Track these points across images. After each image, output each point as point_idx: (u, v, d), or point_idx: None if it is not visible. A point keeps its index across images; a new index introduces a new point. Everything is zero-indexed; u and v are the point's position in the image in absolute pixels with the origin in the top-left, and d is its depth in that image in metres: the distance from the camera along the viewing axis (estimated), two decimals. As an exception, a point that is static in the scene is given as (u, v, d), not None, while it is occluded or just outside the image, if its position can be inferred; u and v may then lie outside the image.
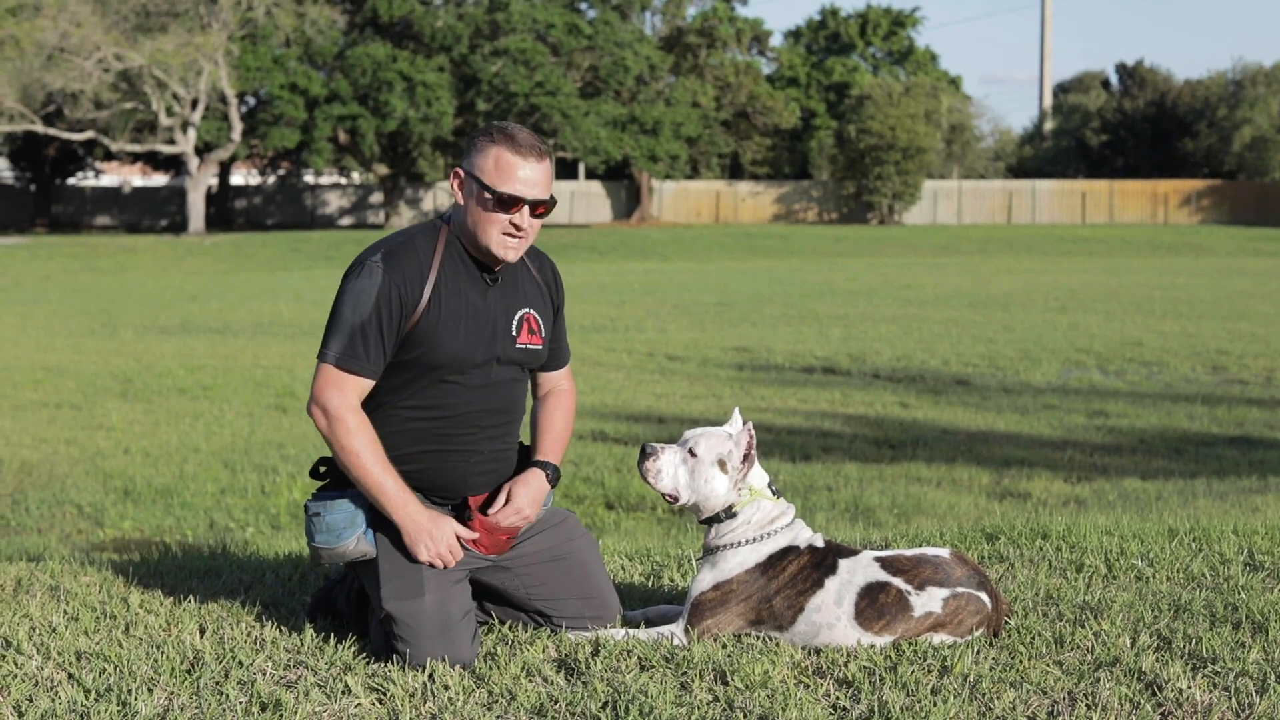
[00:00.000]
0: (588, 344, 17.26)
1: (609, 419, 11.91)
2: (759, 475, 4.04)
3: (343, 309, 3.90)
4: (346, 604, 4.23)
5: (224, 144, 53.15)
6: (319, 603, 4.32)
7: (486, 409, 4.01)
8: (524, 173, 3.88)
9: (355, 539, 3.93)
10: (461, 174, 3.96)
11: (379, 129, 53.90)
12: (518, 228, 3.90)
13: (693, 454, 3.99)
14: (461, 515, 4.03)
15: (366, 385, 3.92)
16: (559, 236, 49.13)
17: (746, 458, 3.98)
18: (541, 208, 3.93)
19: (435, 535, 3.90)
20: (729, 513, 3.99)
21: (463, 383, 3.97)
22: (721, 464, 3.98)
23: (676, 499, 4.01)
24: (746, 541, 3.97)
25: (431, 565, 3.90)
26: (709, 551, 4.01)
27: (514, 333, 4.03)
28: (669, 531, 7.71)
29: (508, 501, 4.02)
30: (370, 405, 3.96)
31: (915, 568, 3.93)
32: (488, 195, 3.88)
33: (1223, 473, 9.69)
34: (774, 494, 4.05)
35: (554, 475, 4.12)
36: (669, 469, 4.01)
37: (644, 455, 4.03)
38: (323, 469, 4.12)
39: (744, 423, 4.04)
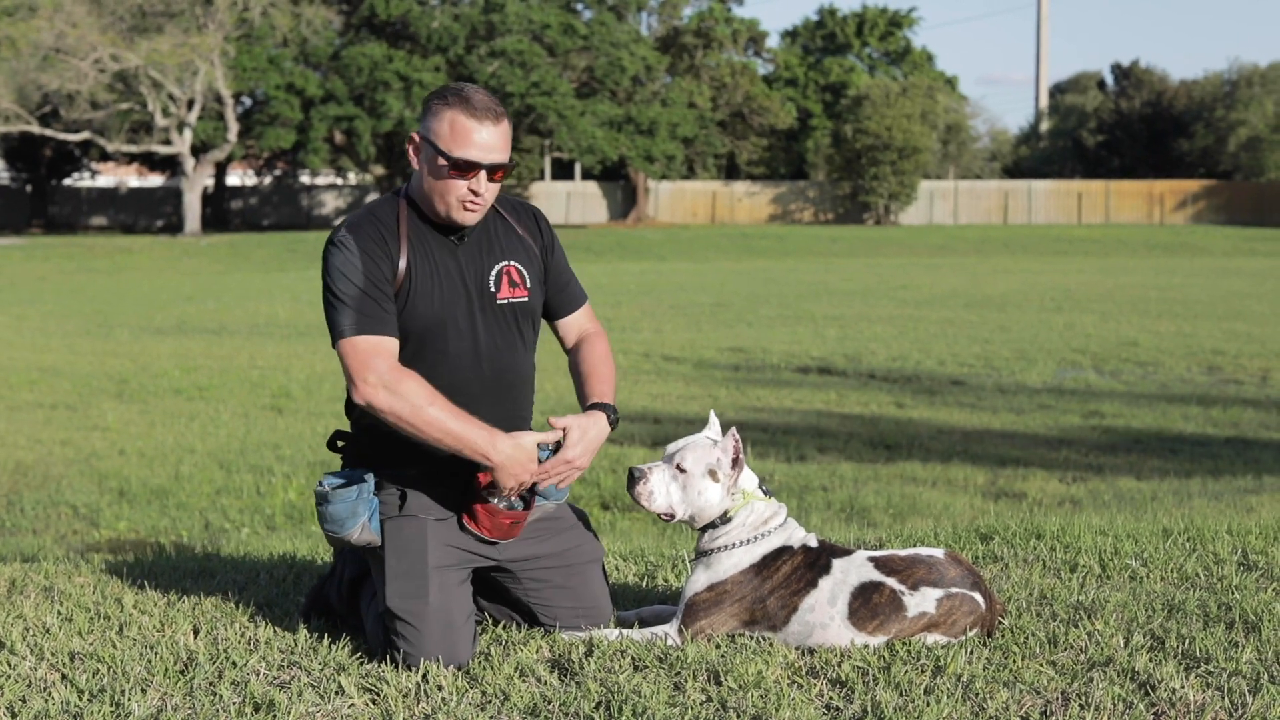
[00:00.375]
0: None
1: (605, 419, 11.90)
2: (749, 477, 4.02)
3: (336, 287, 3.83)
4: (338, 599, 4.21)
5: (220, 144, 53.14)
6: (313, 602, 4.31)
7: (479, 377, 3.93)
8: (480, 136, 3.80)
9: (359, 529, 3.88)
10: (417, 139, 3.88)
11: (375, 129, 53.90)
12: (475, 193, 3.83)
13: (681, 469, 3.95)
14: (467, 496, 3.95)
15: (395, 345, 3.83)
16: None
17: (736, 463, 3.96)
18: (499, 172, 3.84)
19: (517, 472, 3.81)
20: (724, 518, 3.98)
21: (449, 351, 3.89)
22: (712, 474, 3.95)
23: (673, 516, 3.97)
24: (741, 543, 3.96)
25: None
26: (703, 554, 4.01)
27: (493, 289, 3.96)
28: (664, 532, 7.71)
29: (556, 451, 3.89)
30: None
31: (909, 568, 3.92)
32: (443, 161, 3.80)
33: (1218, 473, 9.70)
34: (765, 494, 4.04)
35: (614, 417, 4.01)
36: (660, 489, 3.96)
37: (633, 480, 3.96)
38: (340, 443, 4.06)
39: (720, 426, 4.01)
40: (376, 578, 3.95)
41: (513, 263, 4.01)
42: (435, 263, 3.90)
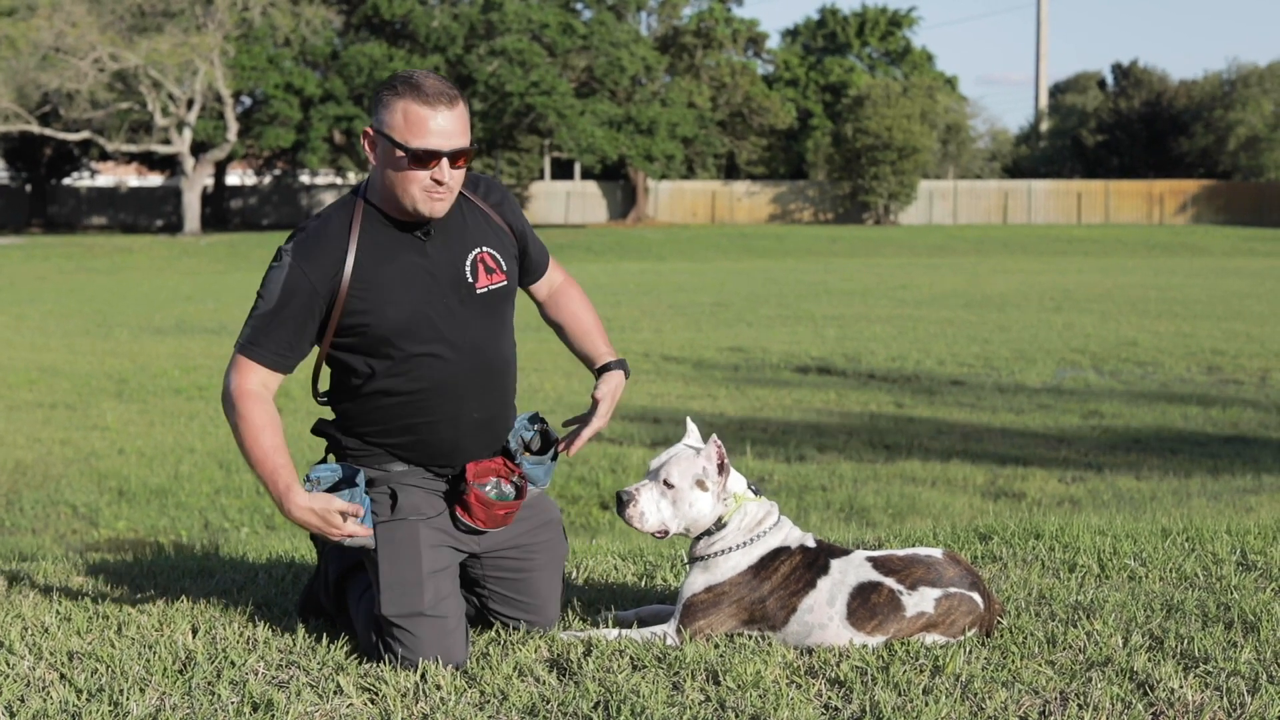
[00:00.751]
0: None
1: (604, 419, 11.90)
2: (737, 479, 4.00)
3: (258, 295, 3.81)
4: (326, 598, 4.18)
5: (219, 144, 53.13)
6: (305, 603, 4.29)
7: (463, 370, 3.86)
8: (436, 124, 3.65)
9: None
10: (371, 133, 3.74)
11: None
12: (439, 182, 3.70)
13: (669, 485, 3.92)
14: (457, 488, 3.92)
15: (270, 376, 3.82)
16: (555, 237, 49.12)
17: (722, 468, 3.94)
18: (461, 158, 3.71)
19: (310, 520, 3.73)
20: (719, 524, 3.96)
21: (430, 351, 3.82)
22: (700, 484, 3.92)
23: (667, 533, 3.95)
24: (738, 546, 3.95)
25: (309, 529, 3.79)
26: (699, 558, 3.99)
27: (470, 279, 3.86)
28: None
29: (583, 426, 4.01)
30: (347, 391, 3.89)
31: (907, 568, 3.92)
32: (401, 154, 3.67)
33: (1217, 472, 9.70)
34: (755, 493, 4.03)
35: (625, 368, 4.10)
36: (650, 508, 3.92)
37: (621, 504, 3.92)
38: (324, 431, 4.05)
39: (700, 433, 3.98)
40: (372, 581, 3.93)
41: (485, 249, 3.91)
42: (399, 265, 3.80)
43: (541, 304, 4.23)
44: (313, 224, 3.83)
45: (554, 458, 4.04)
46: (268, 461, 3.77)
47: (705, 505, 3.93)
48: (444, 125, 3.67)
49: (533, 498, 4.07)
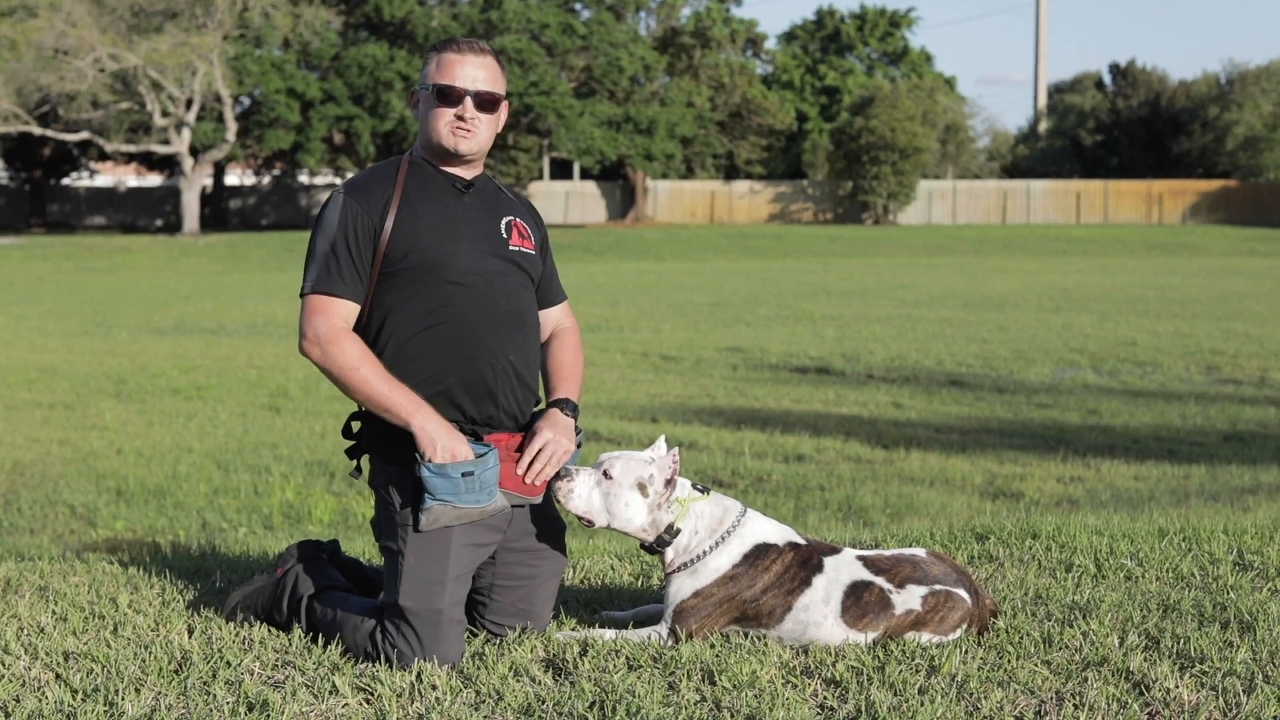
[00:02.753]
0: (583, 344, 17.22)
1: (603, 419, 11.91)
2: (681, 483, 3.98)
3: (313, 242, 3.94)
4: (279, 613, 4.15)
5: (219, 144, 53.12)
6: (243, 607, 4.24)
7: (500, 311, 3.94)
8: (463, 68, 3.95)
9: (499, 495, 3.87)
10: (415, 92, 4.06)
11: (375, 129, 53.88)
12: (461, 119, 3.94)
13: (608, 475, 3.93)
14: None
15: (350, 308, 3.90)
16: (554, 236, 48.89)
17: (669, 482, 3.93)
18: (489, 104, 3.96)
19: (451, 439, 3.79)
20: (670, 531, 3.94)
21: (466, 283, 3.91)
22: (641, 488, 3.91)
23: (591, 522, 3.94)
24: (711, 548, 3.93)
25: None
26: (678, 569, 3.96)
27: (504, 235, 4.03)
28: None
29: (540, 449, 3.90)
30: (387, 330, 3.91)
31: (895, 566, 3.96)
32: (430, 91, 3.96)
33: (1215, 473, 9.70)
34: (702, 491, 4.01)
35: (572, 411, 4.04)
36: (582, 490, 3.92)
37: (558, 475, 3.93)
38: (355, 426, 4.03)
39: (669, 449, 3.95)
40: (389, 569, 3.91)
41: (518, 219, 4.10)
42: (441, 204, 3.97)
43: (542, 343, 4.24)
44: (363, 172, 4.07)
45: (579, 445, 4.06)
46: (395, 393, 3.82)
47: (638, 511, 3.91)
48: (471, 70, 3.96)
49: (548, 504, 4.09)
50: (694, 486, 4.00)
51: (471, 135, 3.96)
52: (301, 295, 3.93)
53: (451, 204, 3.99)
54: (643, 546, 4.00)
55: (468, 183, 4.04)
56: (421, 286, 3.90)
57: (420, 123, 4.03)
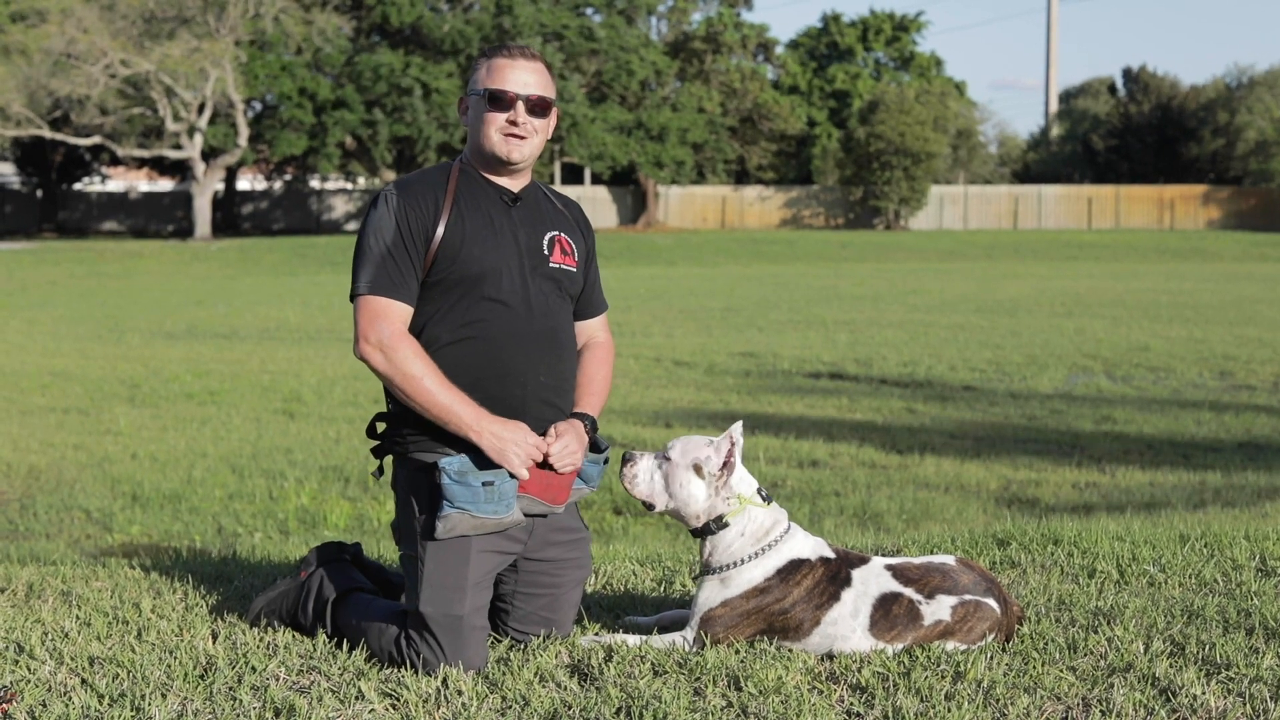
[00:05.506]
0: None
1: (616, 424, 11.90)
2: (747, 481, 4.00)
3: (365, 241, 3.90)
4: (304, 615, 4.16)
5: (230, 149, 53.20)
6: (268, 612, 4.25)
7: (534, 331, 3.92)
8: (514, 73, 3.94)
9: (516, 508, 3.86)
10: (464, 99, 4.04)
11: (392, 134, 53.90)
12: (514, 123, 3.92)
13: (666, 458, 3.98)
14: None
15: (407, 311, 3.87)
16: (565, 242, 49.04)
17: (726, 465, 3.94)
18: (539, 108, 3.95)
19: (519, 441, 3.79)
20: (719, 523, 3.95)
21: (504, 300, 3.89)
22: (697, 468, 3.95)
23: (652, 506, 3.98)
24: (749, 558, 3.94)
25: (514, 474, 3.80)
26: (710, 571, 3.97)
27: (546, 252, 4.00)
28: (678, 536, 7.72)
29: (556, 438, 3.88)
30: (422, 338, 3.89)
31: (924, 576, 3.93)
32: (481, 96, 3.94)
33: (1231, 478, 9.67)
34: (764, 499, 4.02)
35: (591, 426, 4.02)
36: (645, 475, 3.99)
37: (624, 461, 4.03)
38: (380, 427, 4.02)
39: (738, 433, 3.96)
40: (410, 576, 3.91)
41: (562, 234, 4.07)
42: (487, 216, 3.95)
43: None
44: (414, 174, 4.04)
45: (605, 460, 4.08)
46: (455, 404, 3.79)
47: (696, 491, 3.94)
48: (521, 75, 3.95)
49: (570, 516, 4.08)
50: (759, 491, 4.02)
51: (523, 142, 3.94)
52: (355, 296, 3.89)
53: (498, 217, 3.96)
54: (690, 529, 4.02)
55: (515, 196, 4.02)
56: (460, 299, 3.88)
57: (470, 129, 4.01)
